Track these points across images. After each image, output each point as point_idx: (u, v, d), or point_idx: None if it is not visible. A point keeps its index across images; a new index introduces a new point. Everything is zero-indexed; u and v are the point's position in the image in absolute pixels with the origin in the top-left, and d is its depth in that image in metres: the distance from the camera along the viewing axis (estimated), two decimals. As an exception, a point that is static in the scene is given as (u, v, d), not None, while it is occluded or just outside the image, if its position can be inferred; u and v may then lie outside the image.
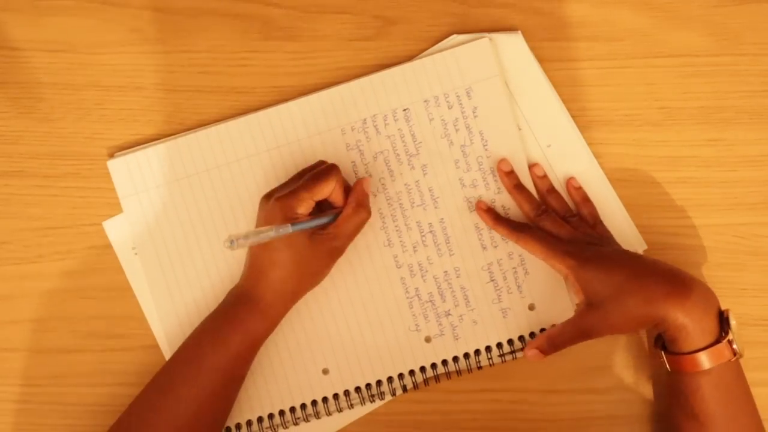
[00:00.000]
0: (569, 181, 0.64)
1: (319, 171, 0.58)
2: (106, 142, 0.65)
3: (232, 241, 0.51)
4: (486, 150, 0.64)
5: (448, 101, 0.64)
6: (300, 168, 0.62)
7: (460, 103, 0.64)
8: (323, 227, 0.58)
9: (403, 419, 0.63)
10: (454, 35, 0.65)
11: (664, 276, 0.56)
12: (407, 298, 0.63)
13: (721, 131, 0.65)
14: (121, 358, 0.63)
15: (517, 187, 0.63)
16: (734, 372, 0.55)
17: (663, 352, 0.57)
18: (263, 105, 0.65)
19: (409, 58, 0.65)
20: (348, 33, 0.66)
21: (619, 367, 0.63)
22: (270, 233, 0.53)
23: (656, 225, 0.64)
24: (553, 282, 0.63)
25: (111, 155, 0.65)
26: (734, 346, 0.54)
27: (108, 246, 0.64)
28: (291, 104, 0.64)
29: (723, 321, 0.55)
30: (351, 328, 0.63)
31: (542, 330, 0.63)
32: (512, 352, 0.63)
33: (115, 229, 0.64)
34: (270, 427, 0.62)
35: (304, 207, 0.57)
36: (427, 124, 0.64)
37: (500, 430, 0.63)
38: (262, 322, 0.58)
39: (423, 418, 0.63)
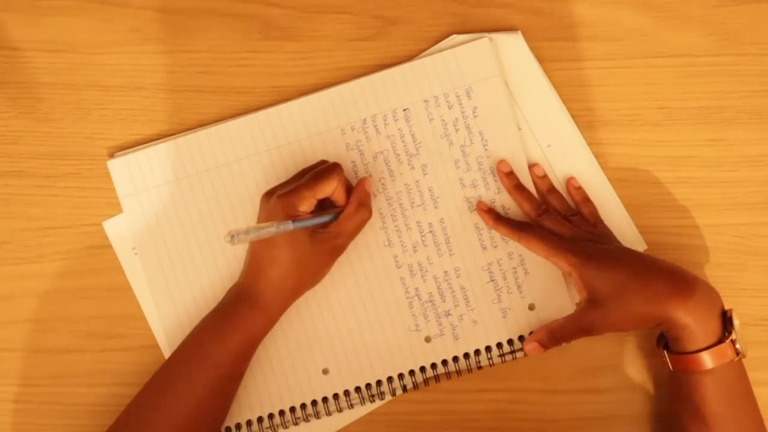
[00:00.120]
0: (569, 181, 0.64)
1: (322, 169, 0.58)
2: (106, 142, 0.65)
3: (232, 236, 0.51)
4: (486, 150, 0.64)
5: (448, 101, 0.64)
6: (300, 168, 0.62)
7: (460, 103, 0.64)
8: (324, 225, 0.58)
9: (403, 419, 0.63)
10: (454, 35, 0.65)
11: (667, 275, 0.56)
12: (407, 298, 0.63)
13: (721, 131, 0.65)
14: (120, 358, 0.63)
15: (518, 188, 0.63)
16: (737, 372, 0.55)
17: (665, 352, 0.57)
18: (263, 105, 0.65)
19: (409, 58, 0.65)
20: (348, 33, 0.66)
21: (619, 367, 0.63)
22: (271, 229, 0.53)
23: (656, 225, 0.64)
24: (553, 282, 0.63)
25: (111, 155, 0.65)
26: (737, 346, 0.54)
27: (108, 246, 0.64)
28: (291, 104, 0.64)
29: (726, 321, 0.55)
30: (351, 328, 0.63)
31: (542, 330, 0.63)
32: (512, 352, 0.63)
33: (115, 229, 0.64)
34: (270, 427, 0.62)
35: (306, 205, 0.57)
36: (427, 124, 0.64)
37: (500, 430, 0.63)
38: (262, 319, 0.58)
39: (423, 418, 0.63)
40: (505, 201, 0.64)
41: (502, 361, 0.63)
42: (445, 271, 0.63)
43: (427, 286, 0.63)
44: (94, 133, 0.65)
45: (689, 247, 0.64)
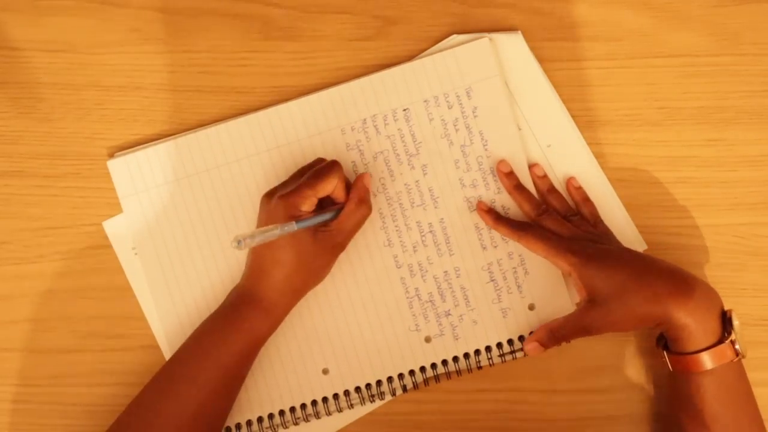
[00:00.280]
0: (569, 181, 0.64)
1: (322, 168, 0.58)
2: (106, 142, 0.65)
3: (239, 242, 0.51)
4: (486, 150, 0.64)
5: (448, 101, 0.64)
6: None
7: (460, 103, 0.64)
8: (326, 224, 0.58)
9: (403, 419, 0.63)
10: (454, 35, 0.65)
11: (667, 275, 0.56)
12: (407, 298, 0.63)
13: (721, 131, 0.65)
14: (120, 358, 0.63)
15: (517, 188, 0.63)
16: (736, 372, 0.55)
17: (665, 352, 0.57)
18: (263, 105, 0.65)
19: (409, 58, 0.65)
20: (348, 33, 0.66)
21: (619, 367, 0.63)
22: (276, 231, 0.53)
23: (656, 225, 0.64)
24: (553, 282, 0.63)
25: (111, 155, 0.65)
26: (737, 347, 0.54)
27: (108, 246, 0.64)
28: (291, 104, 0.64)
29: (726, 321, 0.55)
30: (351, 328, 0.63)
31: (542, 330, 0.63)
32: (512, 352, 0.63)
33: (115, 229, 0.64)
34: (270, 427, 0.62)
35: (308, 204, 0.57)
36: (427, 124, 0.64)
37: (500, 430, 0.63)
38: (266, 320, 0.58)
39: (423, 418, 0.63)
40: (505, 201, 0.64)
41: (502, 361, 0.63)
42: (445, 271, 0.63)
43: (427, 286, 0.63)
44: (94, 133, 0.65)
45: (689, 247, 0.64)
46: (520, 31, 0.65)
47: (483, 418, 0.63)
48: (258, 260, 0.58)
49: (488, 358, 0.63)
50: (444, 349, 0.63)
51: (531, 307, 0.63)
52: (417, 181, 0.64)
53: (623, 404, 0.63)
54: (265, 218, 0.58)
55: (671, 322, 0.54)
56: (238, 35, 0.66)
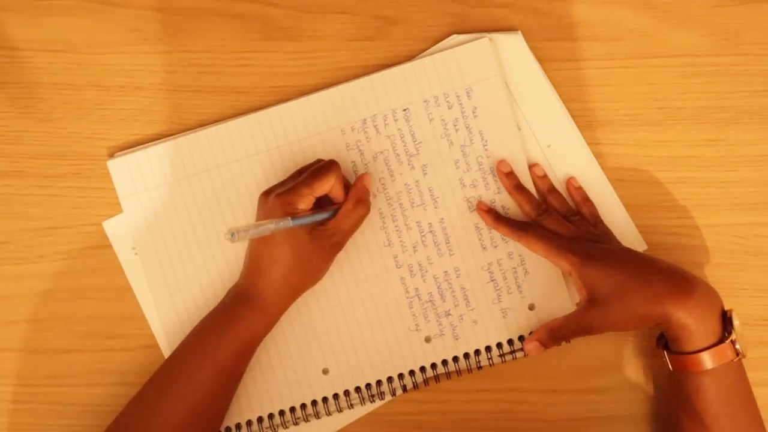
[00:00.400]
0: (569, 181, 0.64)
1: (319, 167, 0.58)
2: (106, 142, 0.65)
3: (232, 234, 0.51)
4: (486, 150, 0.64)
5: (448, 101, 0.64)
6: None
7: (460, 103, 0.64)
8: (323, 222, 0.58)
9: (403, 419, 0.63)
10: (454, 35, 0.65)
11: (668, 275, 0.56)
12: (407, 298, 0.63)
13: (721, 131, 0.65)
14: (120, 358, 0.63)
15: (518, 188, 0.63)
16: (737, 372, 0.55)
17: (665, 352, 0.57)
18: (263, 105, 0.65)
19: (409, 58, 0.65)
20: (348, 33, 0.66)
21: (619, 367, 0.63)
22: (270, 226, 0.53)
23: (656, 225, 0.64)
24: (553, 282, 0.63)
25: (111, 155, 0.65)
26: (737, 346, 0.54)
27: (108, 246, 0.64)
28: (291, 104, 0.64)
29: (726, 321, 0.55)
30: (351, 328, 0.63)
31: (542, 330, 0.63)
32: (512, 352, 0.62)
33: (115, 229, 0.64)
34: (270, 427, 0.62)
35: (305, 203, 0.57)
36: (427, 124, 0.64)
37: (500, 430, 0.63)
38: (262, 319, 0.58)
39: (423, 418, 0.63)
40: (505, 201, 0.64)
41: (502, 361, 0.63)
42: (445, 271, 0.63)
43: (427, 286, 0.63)
44: (94, 133, 0.65)
45: (689, 247, 0.64)
46: (520, 31, 0.65)
47: (483, 418, 0.63)
48: (255, 259, 0.58)
49: (488, 358, 0.63)
50: (444, 349, 0.63)
51: (531, 307, 0.63)
52: (417, 181, 0.64)
53: (623, 404, 0.63)
54: (263, 216, 0.58)
55: (671, 321, 0.54)
56: (238, 35, 0.66)
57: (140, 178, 0.64)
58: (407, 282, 0.63)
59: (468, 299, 0.63)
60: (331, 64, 0.65)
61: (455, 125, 0.64)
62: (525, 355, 0.62)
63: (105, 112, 0.65)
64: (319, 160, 0.61)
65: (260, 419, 0.62)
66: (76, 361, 0.63)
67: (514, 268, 0.63)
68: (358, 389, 0.62)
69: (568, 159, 0.64)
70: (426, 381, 0.63)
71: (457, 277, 0.63)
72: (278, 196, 0.56)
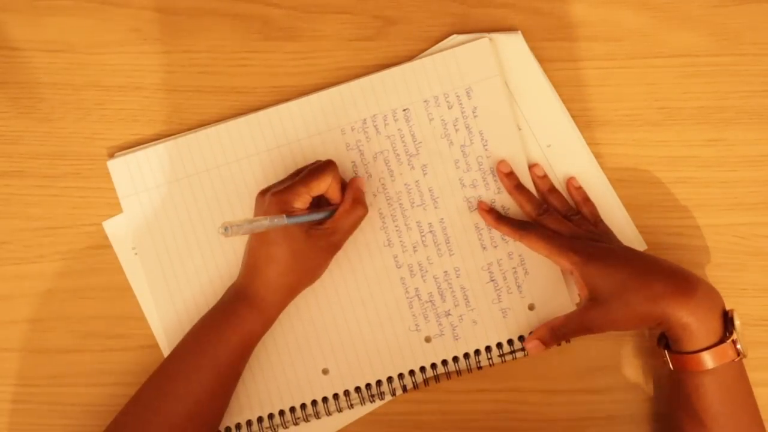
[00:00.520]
0: (569, 181, 0.64)
1: (317, 167, 0.58)
2: (106, 142, 0.65)
3: (226, 228, 0.50)
4: (486, 150, 0.64)
5: (448, 101, 0.64)
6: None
7: (460, 103, 0.64)
8: (320, 222, 0.58)
9: (403, 419, 0.63)
10: (454, 35, 0.65)
11: (669, 274, 0.56)
12: (407, 298, 0.63)
13: (721, 131, 0.65)
14: (120, 358, 0.63)
15: (518, 188, 0.63)
16: (737, 372, 0.55)
17: (666, 351, 0.57)
18: (263, 105, 0.65)
19: (409, 58, 0.65)
20: (348, 33, 0.66)
21: (619, 367, 0.63)
22: (264, 222, 0.53)
23: (656, 225, 0.64)
24: (553, 282, 0.63)
25: (111, 155, 0.65)
26: (738, 346, 0.54)
27: (108, 246, 0.64)
28: (291, 104, 0.64)
29: (727, 321, 0.55)
30: (351, 328, 0.63)
31: (542, 330, 0.63)
32: (512, 352, 0.62)
33: (115, 229, 0.64)
34: (270, 427, 0.62)
35: (301, 202, 0.57)
36: (427, 124, 0.64)
37: (500, 430, 0.63)
38: (259, 318, 0.58)
39: (423, 418, 0.63)
40: (505, 201, 0.64)
41: (502, 361, 0.63)
42: (445, 271, 0.63)
43: (427, 286, 0.63)
44: (94, 133, 0.65)
45: (689, 247, 0.64)
46: (520, 31, 0.65)
47: (483, 418, 0.63)
48: (252, 257, 0.58)
49: (488, 358, 0.63)
50: (444, 349, 0.63)
51: (531, 307, 0.63)
52: (417, 181, 0.64)
53: (623, 404, 0.63)
54: (259, 214, 0.58)
55: (672, 321, 0.54)
56: (238, 35, 0.66)
57: (140, 178, 0.64)
58: (407, 282, 0.63)
59: (468, 299, 0.63)
60: (331, 64, 0.65)
61: (455, 125, 0.64)
62: (525, 355, 0.62)
63: (105, 112, 0.65)
64: (317, 162, 0.61)
65: (260, 419, 0.62)
66: (76, 361, 0.63)
67: (514, 268, 0.63)
68: (358, 389, 0.62)
69: (568, 159, 0.64)
70: (426, 381, 0.63)
71: (457, 277, 0.63)
72: (275, 195, 0.56)
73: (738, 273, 0.64)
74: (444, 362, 0.63)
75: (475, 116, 0.64)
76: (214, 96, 0.65)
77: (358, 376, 0.62)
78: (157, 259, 0.63)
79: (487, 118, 0.64)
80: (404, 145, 0.64)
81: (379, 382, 0.62)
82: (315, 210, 0.58)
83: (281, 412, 0.62)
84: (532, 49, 0.65)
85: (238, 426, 0.62)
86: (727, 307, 0.56)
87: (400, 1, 0.66)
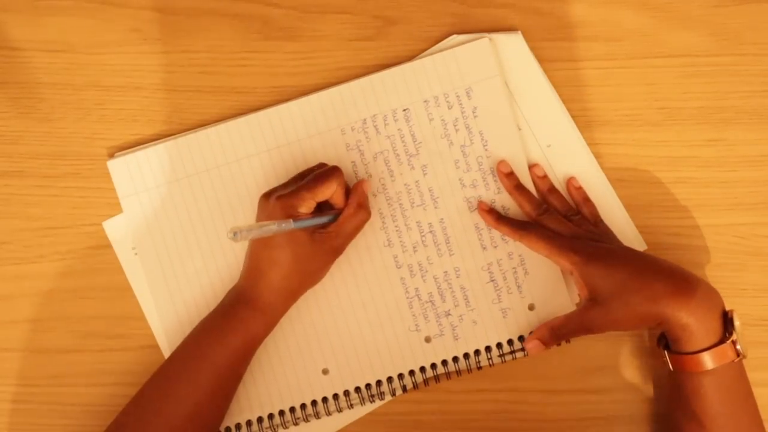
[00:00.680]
0: (569, 181, 0.64)
1: (322, 172, 0.58)
2: (106, 142, 0.65)
3: (235, 233, 0.51)
4: (486, 150, 0.64)
5: (448, 101, 0.64)
6: (300, 168, 0.62)
7: (460, 103, 0.64)
8: (324, 226, 0.58)
9: (403, 419, 0.63)
10: (454, 35, 0.65)
11: (668, 275, 0.56)
12: (407, 298, 0.63)
13: (721, 131, 0.65)
14: (120, 358, 0.63)
15: (518, 188, 0.63)
16: (737, 372, 0.55)
17: (666, 352, 0.57)
18: (263, 105, 0.65)
19: (409, 58, 0.65)
20: (348, 33, 0.66)
21: (619, 367, 0.63)
22: (272, 227, 0.53)
23: (656, 225, 0.64)
24: (553, 282, 0.63)
25: (111, 155, 0.65)
26: (738, 347, 0.54)
27: (108, 246, 0.64)
28: (291, 104, 0.64)
29: (727, 321, 0.55)
30: (351, 328, 0.63)
31: (542, 330, 0.63)
32: (512, 352, 0.63)
33: (115, 229, 0.64)
34: (270, 427, 0.62)
35: (306, 206, 0.57)
36: (427, 124, 0.64)
37: (500, 430, 0.63)
38: (262, 321, 0.58)
39: (423, 418, 0.63)
40: (505, 201, 0.64)
41: (502, 361, 0.63)
42: (445, 271, 0.63)
43: (427, 286, 0.63)
44: (94, 133, 0.65)
45: (689, 247, 0.64)
46: (519, 31, 0.65)
47: (483, 418, 0.63)
48: (255, 260, 0.58)
49: (488, 358, 0.63)
50: (444, 349, 0.63)
51: (531, 307, 0.63)
52: (417, 182, 0.64)
53: (623, 404, 0.63)
54: (263, 218, 0.58)
55: (672, 321, 0.54)
56: (238, 35, 0.66)
57: (140, 178, 0.64)
58: (407, 282, 0.63)
59: (468, 299, 0.63)
60: (331, 64, 0.65)
61: (455, 125, 0.64)
62: (525, 355, 0.62)
63: (105, 112, 0.65)
64: (322, 164, 0.61)
65: (260, 419, 0.62)
66: (76, 361, 0.63)
67: (514, 268, 0.63)
68: (358, 389, 0.62)
69: (568, 159, 0.64)
70: (426, 381, 0.63)
71: (457, 277, 0.63)
72: (279, 199, 0.56)
73: (738, 273, 0.64)
74: (444, 362, 0.63)
75: (475, 116, 0.64)
76: (214, 96, 0.65)
77: (358, 376, 0.62)
78: (157, 259, 0.63)
79: (487, 118, 0.64)
80: (404, 145, 0.64)
81: (379, 382, 0.62)
82: (319, 214, 0.58)
83: (281, 413, 0.62)
84: (532, 49, 0.65)
85: (238, 426, 0.62)
86: (727, 308, 0.56)
87: (400, 1, 0.66)
